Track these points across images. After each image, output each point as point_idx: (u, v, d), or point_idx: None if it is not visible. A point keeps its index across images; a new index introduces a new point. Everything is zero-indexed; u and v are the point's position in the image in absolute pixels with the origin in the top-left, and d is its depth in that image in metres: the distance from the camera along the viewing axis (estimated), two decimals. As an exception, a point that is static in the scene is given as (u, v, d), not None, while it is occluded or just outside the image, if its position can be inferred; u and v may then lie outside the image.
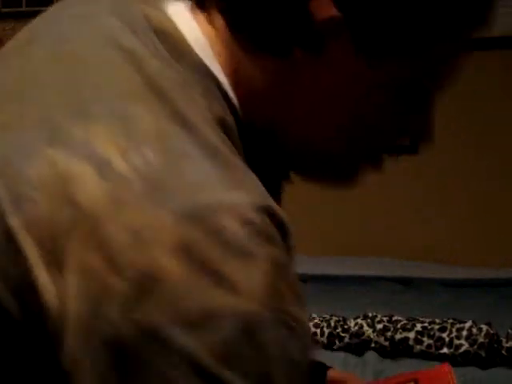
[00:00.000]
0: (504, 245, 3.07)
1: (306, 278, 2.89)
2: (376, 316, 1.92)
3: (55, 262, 0.54)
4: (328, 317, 2.00)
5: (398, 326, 1.86)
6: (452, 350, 1.78)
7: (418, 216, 3.21)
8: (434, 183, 3.19)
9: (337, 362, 1.85)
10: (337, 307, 2.15)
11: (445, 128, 3.19)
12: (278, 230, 0.57)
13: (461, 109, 3.14)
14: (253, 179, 0.60)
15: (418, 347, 1.81)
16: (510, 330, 1.81)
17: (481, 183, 3.13)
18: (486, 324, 1.82)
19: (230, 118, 0.65)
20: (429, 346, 1.80)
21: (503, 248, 3.06)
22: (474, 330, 1.78)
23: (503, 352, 1.78)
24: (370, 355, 1.85)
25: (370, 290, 2.68)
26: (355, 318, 1.96)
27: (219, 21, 0.66)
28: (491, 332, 1.78)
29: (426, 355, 1.81)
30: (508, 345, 1.77)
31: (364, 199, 3.28)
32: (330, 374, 1.02)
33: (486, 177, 3.12)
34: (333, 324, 1.96)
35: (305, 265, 3.07)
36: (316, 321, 2.00)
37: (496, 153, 3.11)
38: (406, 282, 2.83)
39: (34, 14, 0.75)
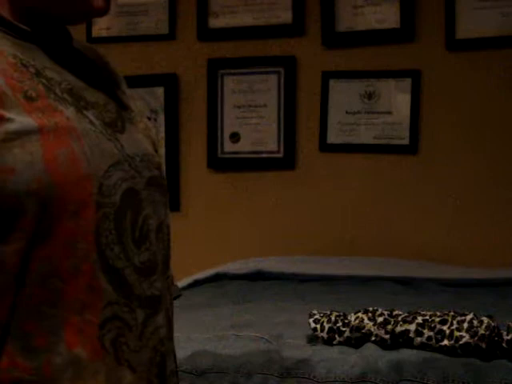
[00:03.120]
0: (504, 245, 3.07)
1: (306, 278, 2.89)
2: (377, 310, 1.92)
3: None
4: (328, 312, 2.00)
5: (399, 318, 1.86)
6: (452, 342, 1.77)
7: (419, 216, 3.21)
8: (434, 183, 3.19)
9: (335, 355, 1.84)
10: (337, 307, 2.15)
11: (445, 128, 3.19)
12: None
13: (461, 109, 3.15)
14: None
15: (419, 339, 1.81)
16: (510, 323, 1.81)
17: (481, 183, 3.13)
18: (487, 316, 1.82)
19: None
20: (429, 338, 1.80)
21: (503, 248, 3.06)
22: (475, 322, 1.78)
23: (503, 345, 1.78)
24: (370, 346, 1.85)
25: (371, 291, 2.68)
26: (356, 313, 1.95)
27: None
28: (492, 324, 1.78)
29: (427, 347, 1.80)
30: (508, 337, 1.77)
31: (364, 199, 3.28)
32: None
33: (486, 177, 3.12)
34: (333, 319, 1.95)
35: (305, 265, 3.08)
36: (316, 316, 1.99)
37: (496, 153, 3.11)
38: (405, 282, 2.83)
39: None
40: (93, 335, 0.77)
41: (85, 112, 0.82)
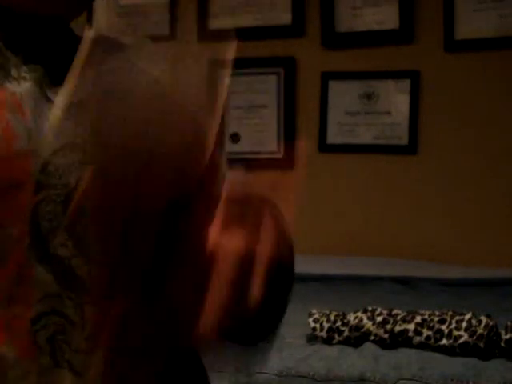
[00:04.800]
0: (503, 245, 3.08)
1: (306, 278, 2.90)
2: (376, 309, 1.92)
3: None
4: (328, 312, 2.00)
5: (398, 318, 1.87)
6: (451, 341, 1.78)
7: (418, 216, 3.22)
8: (434, 183, 3.20)
9: (334, 354, 1.85)
10: (336, 307, 2.15)
11: (444, 128, 3.20)
12: None
13: (460, 109, 3.16)
14: None
15: (418, 339, 1.82)
16: (509, 323, 1.82)
17: (480, 183, 3.14)
18: (485, 316, 1.82)
19: None
20: (428, 337, 1.81)
21: (503, 248, 3.07)
22: (474, 322, 1.79)
23: (502, 344, 1.78)
24: (369, 346, 1.86)
25: (370, 290, 2.69)
26: (355, 312, 1.96)
27: None
28: (490, 324, 1.79)
29: (425, 346, 1.81)
30: (507, 337, 1.78)
31: (364, 199, 3.29)
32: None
33: (486, 176, 3.13)
34: (332, 318, 1.96)
35: (305, 265, 3.08)
36: (316, 316, 2.00)
37: (496, 152, 3.12)
38: (405, 282, 2.84)
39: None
40: (23, 331, 0.67)
41: (47, 92, 0.74)
